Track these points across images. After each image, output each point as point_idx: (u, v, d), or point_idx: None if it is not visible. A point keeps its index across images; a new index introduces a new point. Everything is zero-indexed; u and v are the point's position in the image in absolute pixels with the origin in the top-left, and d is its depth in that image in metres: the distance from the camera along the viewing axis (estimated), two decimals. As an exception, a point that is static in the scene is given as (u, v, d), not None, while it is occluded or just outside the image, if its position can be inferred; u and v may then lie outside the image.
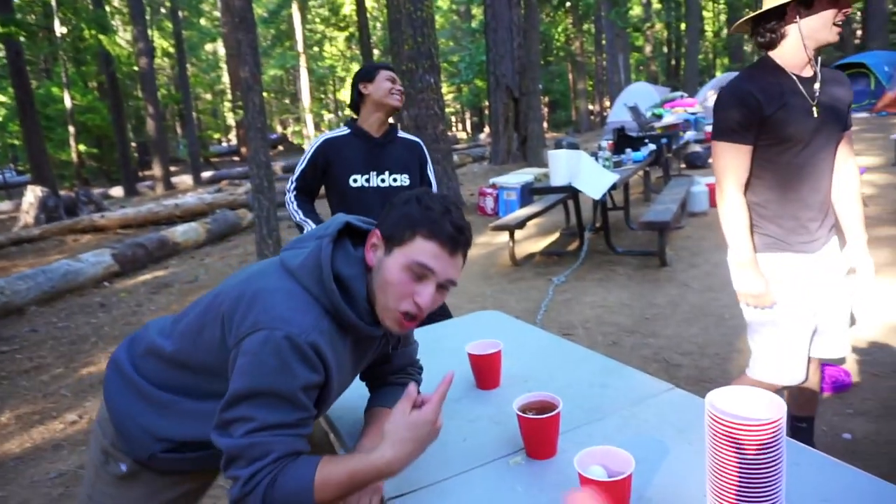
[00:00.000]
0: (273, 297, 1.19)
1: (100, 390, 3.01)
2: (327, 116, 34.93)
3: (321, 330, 1.18)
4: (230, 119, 31.80)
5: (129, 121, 24.10)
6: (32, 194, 11.72)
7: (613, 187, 5.14)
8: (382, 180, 2.59)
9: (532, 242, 6.89)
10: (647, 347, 3.80)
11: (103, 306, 6.43)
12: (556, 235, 7.06)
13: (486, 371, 1.68)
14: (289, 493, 1.11)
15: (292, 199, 2.66)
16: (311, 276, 1.22)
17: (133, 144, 25.41)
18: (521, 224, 6.09)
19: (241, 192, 12.17)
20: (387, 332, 1.30)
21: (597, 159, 5.71)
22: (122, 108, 19.67)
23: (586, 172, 5.13)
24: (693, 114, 11.08)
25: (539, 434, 1.30)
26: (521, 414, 1.30)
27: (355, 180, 2.56)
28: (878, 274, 4.05)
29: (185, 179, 19.47)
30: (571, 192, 5.58)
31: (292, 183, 2.66)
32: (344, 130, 2.63)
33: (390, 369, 1.54)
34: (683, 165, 10.35)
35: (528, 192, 7.71)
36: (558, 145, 10.47)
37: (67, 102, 19.49)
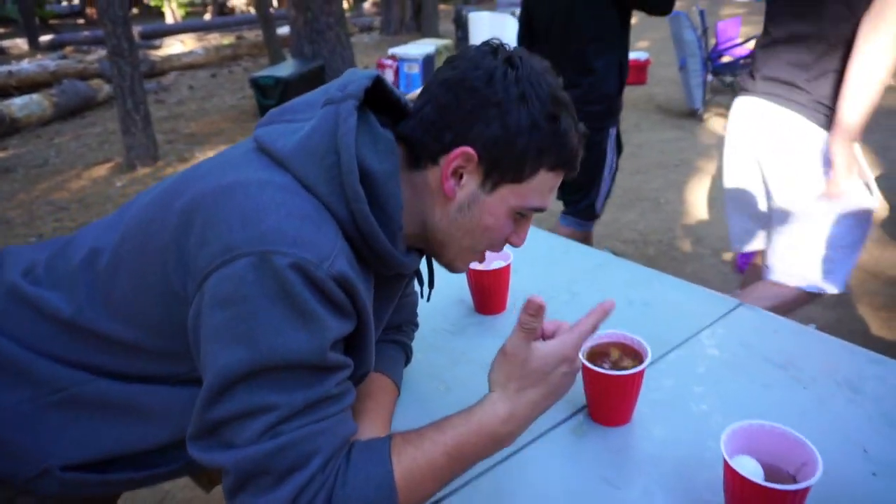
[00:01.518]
0: (252, 196, 0.69)
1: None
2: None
3: (343, 252, 0.72)
4: (68, -28, 27.04)
5: (-66, -33, 19.75)
6: None
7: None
8: None
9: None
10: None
11: (-75, 197, 5.24)
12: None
13: (490, 291, 1.26)
14: None
15: None
16: (320, 168, 0.73)
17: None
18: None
19: (91, 59, 10.39)
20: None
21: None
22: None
23: (511, 41, 4.59)
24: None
25: (618, 393, 0.91)
26: (594, 368, 0.90)
27: None
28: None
29: (19, 44, 16.43)
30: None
31: None
32: None
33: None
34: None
35: (431, 66, 7.04)
36: (459, 14, 9.68)
37: None
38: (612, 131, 2.41)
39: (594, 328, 0.76)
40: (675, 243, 3.37)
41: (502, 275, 1.24)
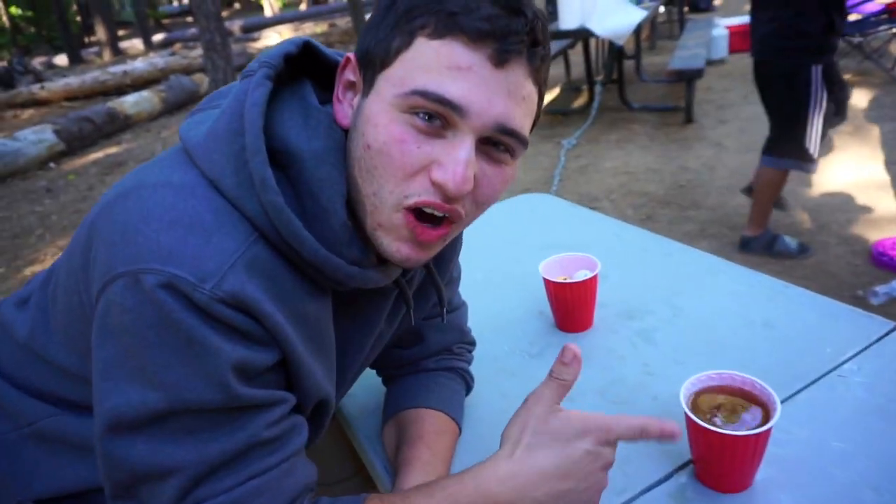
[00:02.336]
0: (140, 204, 0.56)
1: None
2: (286, -33, 31.69)
3: (249, 263, 0.55)
4: (178, -27, 28.68)
5: (62, -23, 21.49)
6: (-42, 65, 10.36)
7: (637, 29, 4.32)
8: None
9: (532, 101, 6.11)
10: (689, 222, 3.24)
11: (49, 191, 5.66)
12: (556, 91, 6.26)
13: (573, 306, 1.07)
14: None
15: None
16: (225, 158, 0.57)
17: (74, 7, 22.91)
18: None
19: (195, 55, 10.89)
20: (397, 272, 0.69)
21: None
22: (50, -38, 17.27)
23: (605, 11, 4.27)
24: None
25: (733, 456, 0.71)
26: (701, 423, 0.71)
27: None
28: None
29: (136, 44, 17.64)
30: (582, 38, 4.74)
31: None
32: None
33: (425, 351, 0.91)
34: (686, 9, 9.32)
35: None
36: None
37: (-14, -44, 17.05)
38: (816, 69, 2.42)
39: (637, 433, 0.62)
40: (793, 229, 2.99)
41: (587, 287, 1.05)
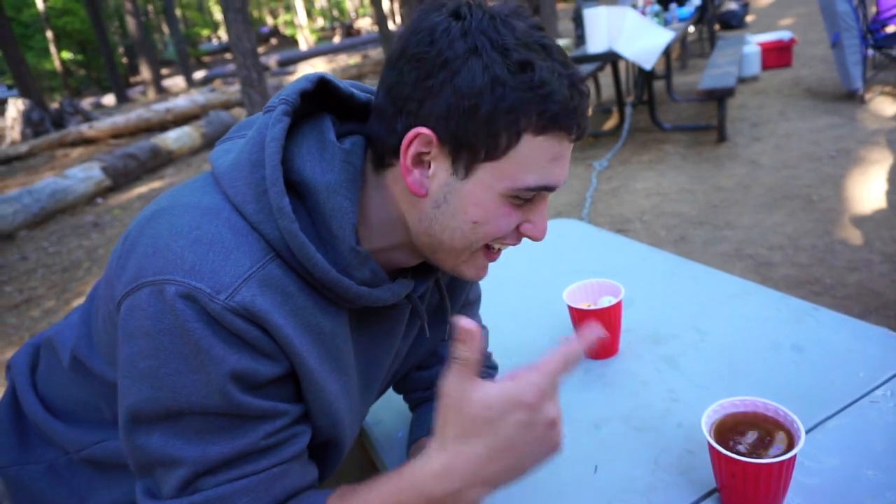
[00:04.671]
0: (171, 221, 0.62)
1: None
2: (319, 2, 32.64)
3: (264, 280, 0.61)
4: (217, 13, 29.77)
5: (110, 22, 22.57)
6: (14, 108, 10.91)
7: (666, 50, 4.31)
8: None
9: (562, 124, 6.11)
10: (723, 242, 3.18)
11: (96, 226, 5.89)
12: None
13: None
14: None
15: None
16: (247, 187, 0.63)
17: (120, 49, 23.99)
18: (552, 103, 5.30)
19: (234, 90, 11.27)
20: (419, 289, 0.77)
21: (643, 15, 4.80)
22: (99, 8, 18.17)
23: (632, 34, 4.28)
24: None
25: (758, 485, 0.70)
26: (723, 451, 0.70)
27: None
28: None
29: (178, 82, 18.35)
30: (610, 61, 4.76)
31: None
32: None
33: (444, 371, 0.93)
34: (717, 26, 9.25)
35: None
36: (578, 11, 9.34)
37: (40, 5, 18.04)
38: None
39: (565, 367, 0.57)
40: (833, 248, 2.91)
41: (612, 314, 1.05)
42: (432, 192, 0.65)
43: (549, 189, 0.65)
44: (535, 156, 0.62)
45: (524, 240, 0.70)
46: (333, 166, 0.65)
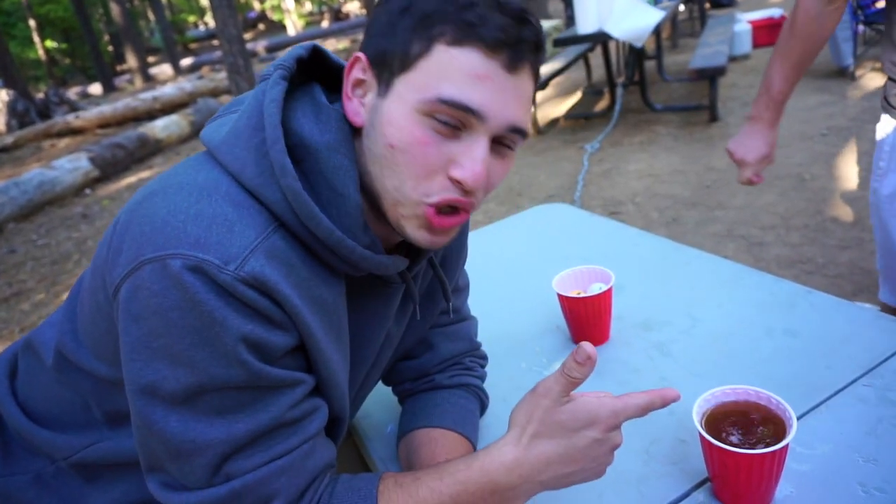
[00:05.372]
0: (167, 199, 0.61)
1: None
2: (307, -14, 32.20)
3: (269, 251, 0.60)
4: (203, -2, 29.36)
5: (94, 9, 22.24)
6: (-2, 99, 10.76)
7: (656, 29, 4.27)
8: None
9: (553, 106, 6.08)
10: (715, 222, 3.17)
11: (85, 217, 5.84)
12: (577, 95, 6.23)
13: (588, 321, 1.06)
14: None
15: None
16: (246, 151, 0.62)
17: (106, 37, 23.66)
18: (543, 85, 5.27)
19: (222, 77, 11.13)
20: (411, 254, 0.76)
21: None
22: (81, -6, 17.84)
23: (622, 13, 4.24)
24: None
25: (749, 474, 0.69)
26: (714, 442, 0.69)
27: None
28: None
29: (165, 69, 18.10)
30: (600, 41, 4.71)
31: None
32: None
33: (435, 359, 0.92)
34: (708, 5, 9.18)
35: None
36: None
37: (22, -7, 17.72)
38: None
39: (644, 411, 0.64)
40: (825, 227, 2.91)
41: (601, 301, 1.04)
42: (364, 118, 0.65)
43: (474, 113, 0.59)
44: (450, 68, 0.59)
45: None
46: (330, 126, 0.65)
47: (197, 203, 0.59)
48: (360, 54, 0.64)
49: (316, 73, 0.71)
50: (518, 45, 0.60)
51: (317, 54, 0.70)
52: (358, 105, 0.65)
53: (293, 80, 0.67)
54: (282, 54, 0.71)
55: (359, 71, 0.64)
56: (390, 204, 0.65)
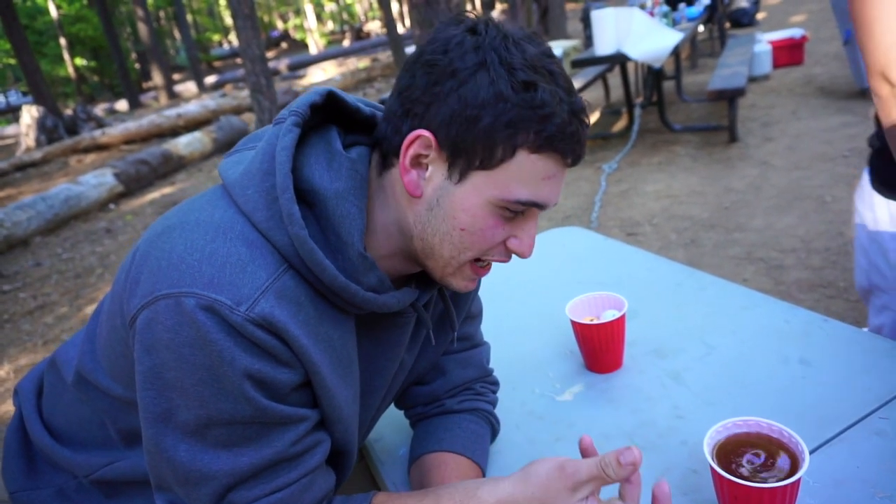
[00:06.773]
0: (185, 236, 0.64)
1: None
2: (328, 6, 32.78)
3: (279, 291, 0.62)
4: (228, 18, 29.99)
5: (122, 28, 22.82)
6: (28, 115, 11.05)
7: (675, 50, 4.28)
8: None
9: (571, 126, 6.08)
10: (734, 245, 3.15)
11: (109, 232, 5.95)
12: (595, 116, 6.23)
13: (602, 348, 1.06)
14: None
15: None
16: (258, 195, 0.65)
17: (133, 55, 24.23)
18: (561, 105, 5.28)
19: (245, 95, 11.34)
20: (422, 299, 0.79)
21: (652, 15, 4.77)
22: (110, 15, 18.35)
23: (640, 35, 4.25)
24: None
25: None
26: (726, 475, 0.69)
27: None
28: None
29: (190, 87, 18.50)
30: (619, 62, 4.73)
31: None
32: None
33: (447, 385, 0.94)
34: (728, 25, 9.18)
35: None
36: (586, 12, 9.30)
37: (54, 13, 18.25)
38: None
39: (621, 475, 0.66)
40: (847, 250, 2.87)
41: (614, 328, 1.04)
42: (427, 194, 0.67)
43: (539, 206, 0.67)
44: (529, 172, 0.64)
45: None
46: (341, 174, 0.67)
47: (212, 242, 0.62)
48: (427, 133, 0.64)
49: (334, 115, 0.73)
50: (582, 147, 0.66)
51: (332, 98, 0.72)
52: (418, 178, 0.67)
53: (309, 123, 0.70)
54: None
55: (421, 147, 0.65)
56: (440, 266, 0.70)
